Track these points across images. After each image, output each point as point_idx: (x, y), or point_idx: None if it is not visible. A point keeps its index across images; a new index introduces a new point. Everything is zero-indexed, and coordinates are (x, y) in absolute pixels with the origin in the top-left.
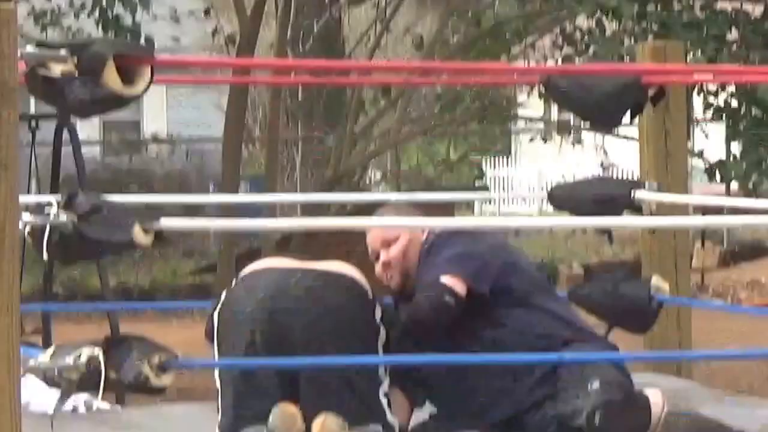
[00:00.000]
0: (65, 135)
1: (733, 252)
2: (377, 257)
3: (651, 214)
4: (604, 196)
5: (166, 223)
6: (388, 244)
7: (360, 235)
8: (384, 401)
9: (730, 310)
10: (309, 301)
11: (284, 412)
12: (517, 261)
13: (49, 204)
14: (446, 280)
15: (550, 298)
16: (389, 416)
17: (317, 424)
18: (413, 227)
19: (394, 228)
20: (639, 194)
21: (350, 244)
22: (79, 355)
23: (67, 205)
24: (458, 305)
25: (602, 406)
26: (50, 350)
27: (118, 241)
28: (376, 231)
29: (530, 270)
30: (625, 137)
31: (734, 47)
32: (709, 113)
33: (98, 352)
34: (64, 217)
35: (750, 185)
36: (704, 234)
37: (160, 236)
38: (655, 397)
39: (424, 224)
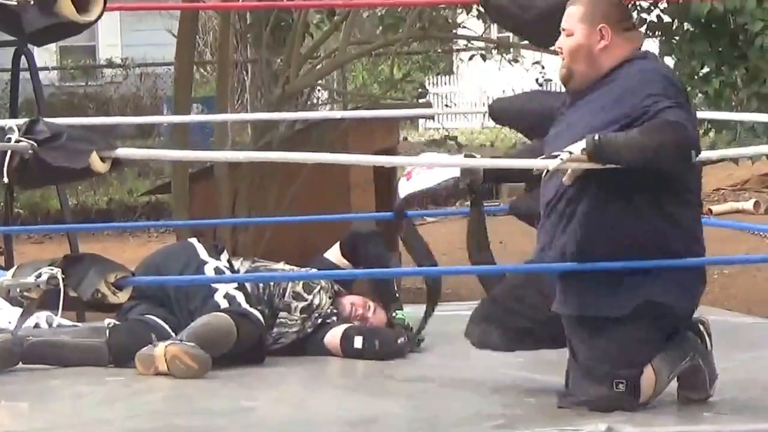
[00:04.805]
0: (23, 61)
1: None
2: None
3: None
4: (542, 109)
5: (123, 152)
6: (568, 33)
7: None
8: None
9: None
10: None
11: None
12: None
13: (11, 129)
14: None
15: None
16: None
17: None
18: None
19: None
20: None
21: (295, 168)
22: (40, 275)
23: (28, 131)
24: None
25: None
26: (12, 270)
27: (76, 168)
28: (572, 9)
29: None
30: None
31: None
32: (643, 29)
33: (57, 271)
34: (24, 143)
35: None
36: None
37: (116, 163)
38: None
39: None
